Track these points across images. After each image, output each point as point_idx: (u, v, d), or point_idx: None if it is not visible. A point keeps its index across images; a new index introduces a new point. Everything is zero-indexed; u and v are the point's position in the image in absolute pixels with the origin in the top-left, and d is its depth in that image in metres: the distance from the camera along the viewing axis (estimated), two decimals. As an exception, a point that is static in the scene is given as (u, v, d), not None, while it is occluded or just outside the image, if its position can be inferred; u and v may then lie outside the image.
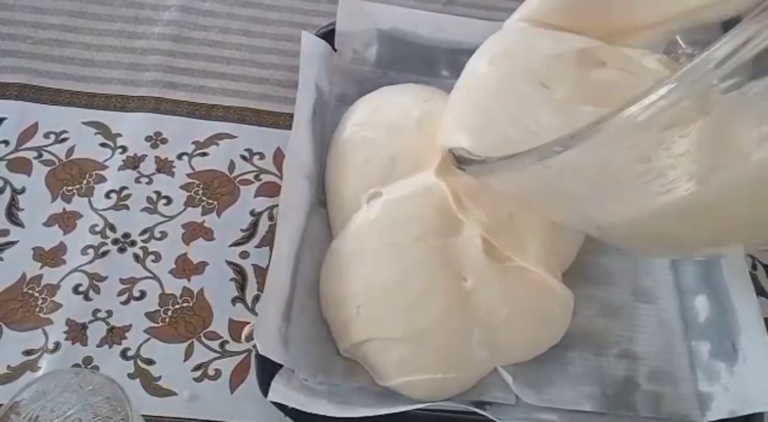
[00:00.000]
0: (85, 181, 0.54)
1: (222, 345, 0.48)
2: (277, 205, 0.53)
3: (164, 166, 0.56)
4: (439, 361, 0.45)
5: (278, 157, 0.57)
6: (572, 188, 0.38)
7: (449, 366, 0.45)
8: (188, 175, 0.55)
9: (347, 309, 0.46)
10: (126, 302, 0.49)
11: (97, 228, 0.52)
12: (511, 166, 0.37)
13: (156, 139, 0.57)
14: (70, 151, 0.56)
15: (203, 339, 0.48)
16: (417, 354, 0.45)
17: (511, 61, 0.45)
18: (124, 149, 0.56)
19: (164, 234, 0.52)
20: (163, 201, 0.54)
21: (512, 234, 0.48)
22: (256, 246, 0.52)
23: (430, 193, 0.49)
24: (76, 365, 0.46)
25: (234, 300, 0.50)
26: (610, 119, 0.31)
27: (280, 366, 0.41)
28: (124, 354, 0.47)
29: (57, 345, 0.47)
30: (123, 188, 0.54)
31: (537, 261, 0.47)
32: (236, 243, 0.52)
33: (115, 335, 0.48)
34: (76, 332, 0.47)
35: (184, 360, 0.47)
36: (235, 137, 0.58)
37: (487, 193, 0.49)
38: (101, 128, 0.57)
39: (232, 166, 0.56)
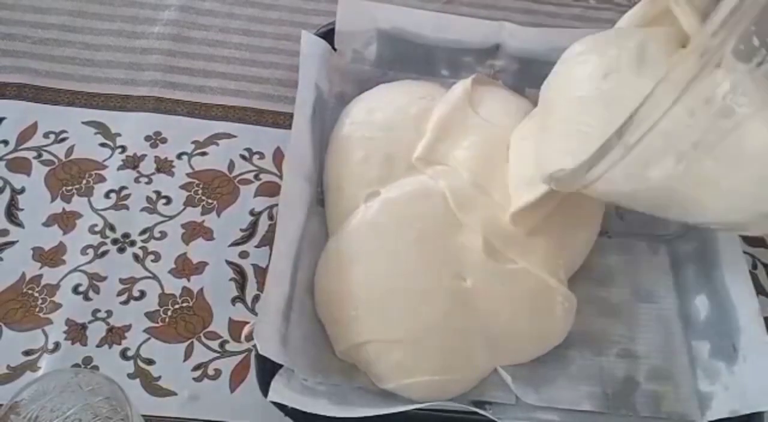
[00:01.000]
0: (84, 181, 0.54)
1: (222, 345, 0.48)
2: (276, 205, 0.53)
3: (164, 166, 0.56)
4: (439, 363, 0.45)
5: (278, 156, 0.57)
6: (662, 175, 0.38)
7: (449, 367, 0.45)
8: (188, 175, 0.55)
9: (344, 310, 0.46)
10: (126, 302, 0.49)
11: (97, 228, 0.52)
12: (601, 157, 0.37)
13: (155, 139, 0.57)
14: (70, 150, 0.56)
15: (203, 339, 0.48)
16: (417, 355, 0.44)
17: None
18: (124, 149, 0.56)
19: (164, 234, 0.52)
20: (163, 200, 0.54)
21: (516, 236, 0.48)
22: (256, 246, 0.52)
23: (429, 192, 0.49)
24: (76, 365, 0.46)
25: (234, 300, 0.50)
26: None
27: (280, 366, 0.41)
28: (123, 354, 0.47)
29: (57, 345, 0.47)
30: (122, 188, 0.54)
31: (541, 264, 0.47)
32: (236, 243, 0.52)
33: (114, 335, 0.48)
34: (76, 332, 0.47)
35: (184, 360, 0.47)
36: (234, 137, 0.58)
37: (488, 195, 0.49)
38: (101, 128, 0.57)
39: (231, 166, 0.56)
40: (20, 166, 0.54)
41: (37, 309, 0.48)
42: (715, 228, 0.47)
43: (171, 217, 0.53)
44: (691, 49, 0.33)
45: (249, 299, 0.50)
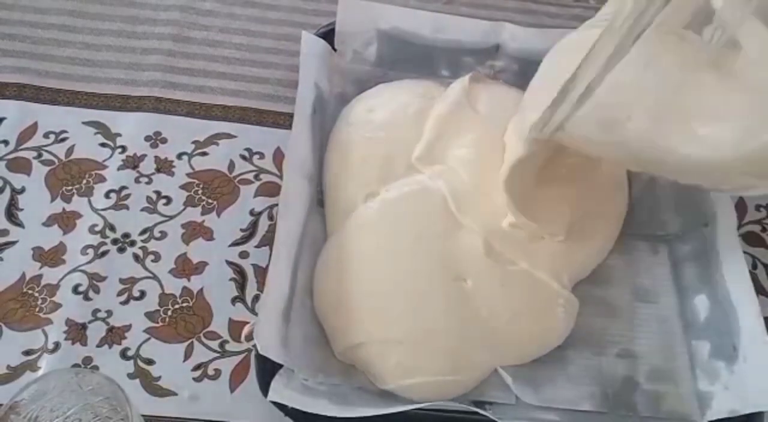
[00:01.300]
0: (84, 181, 0.54)
1: (222, 345, 0.48)
2: (276, 205, 0.53)
3: (164, 166, 0.56)
4: (439, 363, 0.45)
5: (278, 156, 0.57)
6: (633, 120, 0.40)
7: (449, 368, 0.45)
8: (188, 175, 0.55)
9: (343, 311, 0.46)
10: (126, 302, 0.49)
11: (97, 228, 0.52)
12: (563, 99, 0.40)
13: (156, 139, 0.57)
14: (70, 150, 0.56)
15: (203, 339, 0.48)
16: (416, 356, 0.44)
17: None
18: (124, 149, 0.56)
19: (164, 234, 0.52)
20: (163, 200, 0.54)
21: (516, 237, 0.48)
22: (256, 246, 0.52)
23: (429, 193, 0.49)
24: (76, 365, 0.46)
25: (234, 300, 0.50)
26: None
27: (280, 366, 0.41)
28: (123, 354, 0.47)
29: (57, 345, 0.47)
30: (123, 188, 0.54)
31: (542, 265, 0.47)
32: (236, 243, 0.52)
33: (114, 335, 0.48)
34: (76, 332, 0.47)
35: (184, 360, 0.47)
36: (234, 137, 0.58)
37: (487, 195, 0.49)
38: (101, 128, 0.57)
39: (231, 166, 0.56)
40: (20, 166, 0.54)
41: (37, 309, 0.48)
42: (707, 187, 0.48)
43: (171, 217, 0.53)
44: None
45: (249, 299, 0.50)
